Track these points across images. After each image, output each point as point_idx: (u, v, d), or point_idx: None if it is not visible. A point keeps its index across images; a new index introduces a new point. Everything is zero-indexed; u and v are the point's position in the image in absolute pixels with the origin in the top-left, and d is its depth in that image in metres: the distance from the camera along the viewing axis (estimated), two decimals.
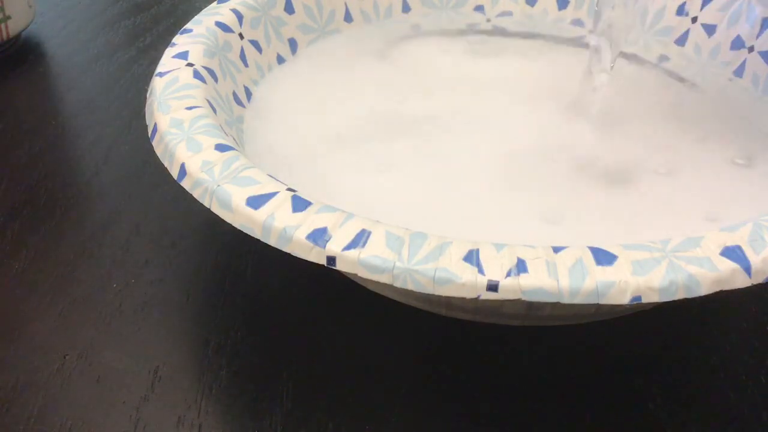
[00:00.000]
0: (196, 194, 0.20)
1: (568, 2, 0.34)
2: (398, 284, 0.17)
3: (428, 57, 0.31)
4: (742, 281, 0.17)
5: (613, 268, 0.17)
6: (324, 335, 0.24)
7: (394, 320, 0.24)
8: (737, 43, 0.30)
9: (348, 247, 0.18)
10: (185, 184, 0.20)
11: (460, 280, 0.17)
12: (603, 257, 0.17)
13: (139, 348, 0.23)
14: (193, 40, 0.26)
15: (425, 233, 0.18)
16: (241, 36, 0.28)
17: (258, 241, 0.19)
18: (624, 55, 0.31)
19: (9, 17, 0.38)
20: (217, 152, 0.21)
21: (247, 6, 0.29)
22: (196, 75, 0.24)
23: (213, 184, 0.20)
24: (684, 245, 0.18)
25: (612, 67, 0.27)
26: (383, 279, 0.17)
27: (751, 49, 0.29)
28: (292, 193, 0.19)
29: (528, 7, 0.34)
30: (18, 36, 0.39)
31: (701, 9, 0.31)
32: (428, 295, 0.17)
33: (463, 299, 0.17)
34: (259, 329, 0.24)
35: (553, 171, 0.25)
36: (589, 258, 0.17)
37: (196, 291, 0.25)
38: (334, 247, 0.18)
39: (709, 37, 0.31)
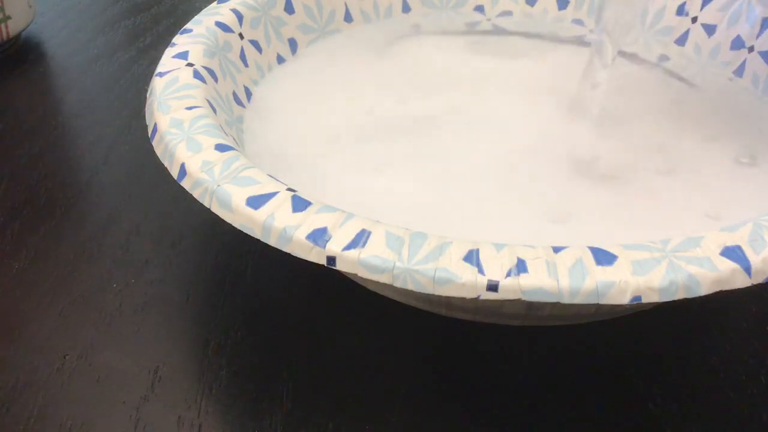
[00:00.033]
0: (196, 194, 0.20)
1: (568, 2, 0.34)
2: (398, 284, 0.17)
3: (428, 57, 0.31)
4: (742, 281, 0.17)
5: (613, 268, 0.17)
6: (324, 335, 0.24)
7: (394, 320, 0.24)
8: (737, 43, 0.30)
9: (348, 247, 0.18)
10: (185, 184, 0.20)
11: (460, 280, 0.17)
12: (603, 257, 0.17)
13: (139, 348, 0.23)
14: (193, 40, 0.26)
15: (425, 233, 0.18)
16: (241, 36, 0.28)
17: (258, 241, 0.19)
18: (624, 55, 0.31)
19: (9, 17, 0.38)
20: (217, 152, 0.21)
21: (247, 6, 0.29)
22: (196, 75, 0.24)
23: (213, 184, 0.20)
24: (684, 245, 0.18)
25: (611, 67, 0.27)
26: (383, 279, 0.17)
27: (751, 49, 0.29)
28: (292, 193, 0.19)
29: (528, 7, 0.34)
30: (18, 36, 0.39)
31: (701, 9, 0.31)
32: (428, 295, 0.17)
33: (463, 299, 0.17)
34: (259, 329, 0.24)
35: (553, 170, 0.25)
36: (589, 258, 0.17)
37: (196, 291, 0.25)
38: (334, 247, 0.18)
39: (709, 37, 0.31)
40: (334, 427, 0.21)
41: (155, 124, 0.22)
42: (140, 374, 0.22)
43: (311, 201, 0.19)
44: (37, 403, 0.21)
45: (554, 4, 0.34)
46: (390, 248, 0.18)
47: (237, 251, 0.27)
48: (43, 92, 0.37)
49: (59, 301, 0.25)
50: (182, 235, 0.27)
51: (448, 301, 0.20)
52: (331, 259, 0.18)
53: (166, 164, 0.21)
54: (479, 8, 0.34)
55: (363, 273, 0.18)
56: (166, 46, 0.26)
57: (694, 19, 0.31)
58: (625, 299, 0.17)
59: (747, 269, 0.17)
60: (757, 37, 0.29)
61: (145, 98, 0.24)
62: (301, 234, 0.18)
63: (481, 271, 0.17)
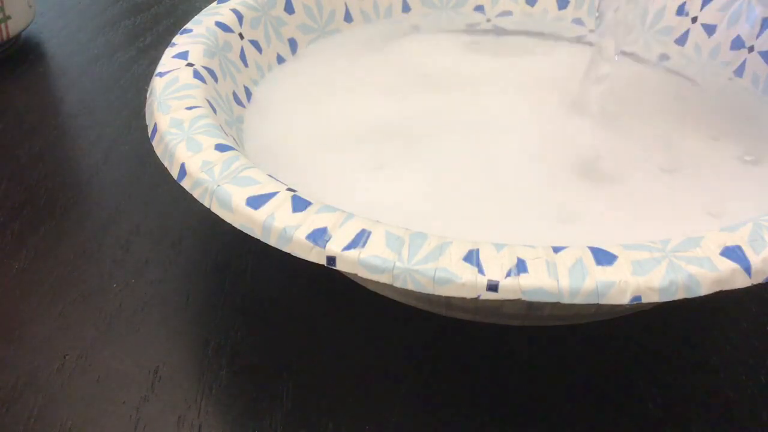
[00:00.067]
0: (196, 194, 0.20)
1: (568, 2, 0.34)
2: (398, 284, 0.17)
3: (428, 56, 0.31)
4: (742, 281, 0.17)
5: (613, 268, 0.17)
6: (324, 335, 0.24)
7: (394, 320, 0.24)
8: (737, 43, 0.30)
9: (348, 247, 0.18)
10: (185, 184, 0.20)
11: (460, 280, 0.17)
12: (603, 257, 0.17)
13: (139, 348, 0.23)
14: (193, 40, 0.26)
15: (425, 233, 0.18)
16: (241, 36, 0.28)
17: (258, 241, 0.19)
18: (624, 54, 0.31)
19: (9, 17, 0.38)
20: (217, 152, 0.21)
21: (247, 6, 0.29)
22: (196, 75, 0.24)
23: (213, 184, 0.20)
24: (684, 245, 0.18)
25: (612, 67, 0.27)
26: (383, 279, 0.17)
27: (751, 49, 0.29)
28: (292, 193, 0.19)
29: (528, 7, 0.34)
30: (18, 36, 0.39)
31: (701, 9, 0.31)
32: (428, 295, 0.17)
33: (463, 299, 0.17)
34: (259, 329, 0.24)
35: (555, 169, 0.25)
36: (589, 258, 0.17)
37: (196, 291, 0.25)
38: (334, 247, 0.18)
39: (709, 37, 0.31)
40: (334, 427, 0.21)
41: (155, 124, 0.22)
42: (140, 374, 0.22)
43: (311, 201, 0.19)
44: (37, 403, 0.21)
45: (554, 4, 0.34)
46: (390, 248, 0.18)
47: (237, 251, 0.27)
48: (43, 92, 0.37)
49: (59, 301, 0.25)
50: (182, 235, 0.27)
51: (448, 301, 0.20)
52: (331, 259, 0.18)
53: (166, 164, 0.21)
54: (479, 8, 0.34)
55: (363, 273, 0.18)
56: (166, 46, 0.26)
57: (694, 19, 0.31)
58: (625, 299, 0.17)
59: (747, 269, 0.17)
60: (757, 37, 0.29)
61: (145, 98, 0.24)
62: (301, 234, 0.18)
63: (481, 271, 0.17)
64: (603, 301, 0.17)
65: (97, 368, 0.23)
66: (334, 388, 0.22)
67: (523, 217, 0.22)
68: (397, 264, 0.17)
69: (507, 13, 0.34)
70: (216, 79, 0.25)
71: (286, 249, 0.18)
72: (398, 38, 0.32)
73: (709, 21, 0.31)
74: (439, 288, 0.17)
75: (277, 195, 0.19)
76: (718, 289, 0.17)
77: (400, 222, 0.19)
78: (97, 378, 0.22)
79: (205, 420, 0.21)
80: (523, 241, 0.18)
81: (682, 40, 0.32)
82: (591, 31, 0.33)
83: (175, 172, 0.21)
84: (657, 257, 0.17)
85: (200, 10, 0.28)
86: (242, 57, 0.28)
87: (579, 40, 0.33)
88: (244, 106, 0.27)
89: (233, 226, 0.19)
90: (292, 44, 0.31)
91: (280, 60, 0.30)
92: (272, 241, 0.18)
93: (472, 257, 0.17)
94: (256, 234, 0.19)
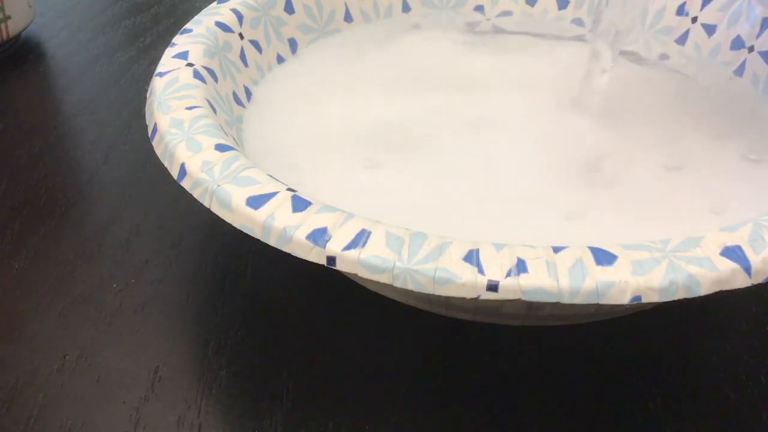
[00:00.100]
0: (196, 194, 0.20)
1: (568, 2, 0.34)
2: (398, 284, 0.17)
3: (428, 56, 0.31)
4: (742, 281, 0.17)
5: (613, 268, 0.17)
6: (324, 335, 0.24)
7: (394, 320, 0.24)
8: (737, 43, 0.30)
9: (348, 247, 0.18)
10: (185, 184, 0.20)
11: (460, 280, 0.17)
12: (603, 257, 0.17)
13: (139, 348, 0.23)
14: (193, 40, 0.26)
15: (425, 233, 0.18)
16: (241, 36, 0.28)
17: (258, 241, 0.19)
18: (624, 54, 0.31)
19: (9, 17, 0.38)
20: (217, 152, 0.21)
21: (247, 6, 0.29)
22: (196, 75, 0.24)
23: (213, 184, 0.20)
24: (684, 245, 0.18)
25: (612, 66, 0.27)
26: (383, 279, 0.17)
27: (751, 49, 0.29)
28: (292, 193, 0.19)
29: (528, 7, 0.34)
30: (18, 36, 0.39)
31: (701, 9, 0.31)
32: (428, 295, 0.17)
33: (463, 299, 0.17)
34: (259, 329, 0.24)
35: (556, 168, 0.25)
36: (589, 258, 0.17)
37: (196, 291, 0.25)
38: (334, 247, 0.18)
39: (709, 37, 0.31)
40: (334, 427, 0.21)
41: (155, 124, 0.22)
42: (140, 374, 0.22)
43: (311, 201, 0.19)
44: (37, 403, 0.21)
45: (554, 4, 0.34)
46: (390, 248, 0.18)
47: (237, 251, 0.27)
48: (43, 92, 0.37)
49: (59, 301, 0.25)
50: (182, 235, 0.27)
51: (448, 301, 0.20)
52: (331, 259, 0.18)
53: (166, 164, 0.21)
54: (479, 8, 0.34)
55: (363, 273, 0.18)
56: (166, 46, 0.26)
57: (694, 19, 0.31)
58: (625, 299, 0.17)
59: (747, 269, 0.17)
60: (757, 37, 0.29)
61: (145, 98, 0.24)
62: (301, 234, 0.18)
63: (481, 271, 0.17)
64: (603, 301, 0.17)
65: (97, 368, 0.23)
66: (334, 388, 0.22)
67: (523, 217, 0.22)
68: (397, 264, 0.17)
69: (507, 13, 0.34)
70: (216, 79, 0.25)
71: (286, 249, 0.18)
72: (398, 38, 0.32)
73: (709, 21, 0.31)
74: (439, 288, 0.17)
75: (277, 195, 0.19)
76: (718, 289, 0.17)
77: (400, 222, 0.19)
78: (97, 378, 0.22)
79: (205, 420, 0.21)
80: (524, 241, 0.18)
81: (682, 40, 0.32)
82: (591, 31, 0.33)
83: (175, 172, 0.21)
84: (657, 257, 0.17)
85: (200, 10, 0.28)
86: (242, 57, 0.28)
87: (579, 40, 0.33)
88: (244, 106, 0.27)
89: (233, 226, 0.19)
90: (292, 44, 0.31)
91: (280, 60, 0.30)
92: (272, 241, 0.18)
93: (472, 257, 0.17)
94: (256, 234, 0.19)
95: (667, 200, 0.23)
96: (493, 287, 0.17)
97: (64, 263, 0.26)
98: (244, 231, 0.19)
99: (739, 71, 0.30)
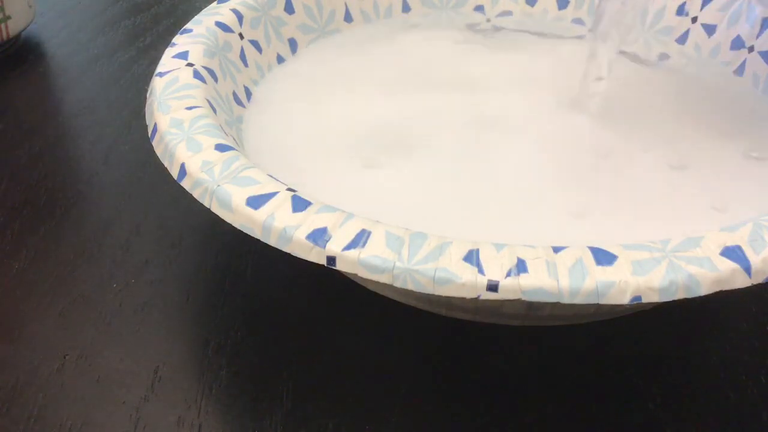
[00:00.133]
0: (196, 194, 0.20)
1: (568, 2, 0.34)
2: (398, 284, 0.17)
3: (428, 56, 0.31)
4: (742, 281, 0.17)
5: (613, 268, 0.17)
6: (324, 335, 0.24)
7: (394, 320, 0.24)
8: (737, 43, 0.30)
9: (348, 247, 0.18)
10: (185, 184, 0.20)
11: (460, 280, 0.17)
12: (603, 257, 0.17)
13: (139, 348, 0.23)
14: (193, 40, 0.26)
15: (425, 233, 0.18)
16: (241, 36, 0.28)
17: (258, 241, 0.19)
18: (624, 54, 0.31)
19: (9, 17, 0.38)
20: (217, 152, 0.21)
21: (247, 6, 0.29)
22: (196, 75, 0.24)
23: (213, 184, 0.20)
24: (684, 245, 0.18)
25: (612, 66, 0.27)
26: (383, 279, 0.17)
27: (751, 49, 0.29)
28: (292, 193, 0.19)
29: (528, 7, 0.34)
30: (18, 36, 0.39)
31: (701, 9, 0.31)
32: (428, 295, 0.17)
33: (463, 299, 0.17)
34: (259, 329, 0.24)
35: (555, 169, 0.25)
36: (589, 258, 0.17)
37: (196, 291, 0.25)
38: (334, 247, 0.18)
39: (709, 37, 0.31)
40: (334, 427, 0.21)
41: (155, 124, 0.22)
42: (140, 374, 0.22)
43: (311, 201, 0.19)
44: (37, 403, 0.21)
45: (554, 4, 0.34)
46: (390, 248, 0.18)
47: (237, 251, 0.27)
48: (43, 92, 0.37)
49: (59, 301, 0.25)
50: (182, 235, 0.27)
51: (448, 301, 0.20)
52: (331, 259, 0.18)
53: (166, 164, 0.21)
54: (479, 8, 0.34)
55: (363, 273, 0.18)
56: (166, 46, 0.26)
57: (694, 19, 0.31)
58: (625, 299, 0.17)
59: (747, 269, 0.17)
60: (757, 37, 0.29)
61: (145, 98, 0.24)
62: (301, 234, 0.18)
63: (481, 271, 0.17)
64: (603, 301, 0.17)
65: (97, 368, 0.23)
66: (334, 388, 0.22)
67: (523, 217, 0.22)
68: (397, 264, 0.17)
69: (507, 13, 0.34)
70: (216, 79, 0.25)
71: (286, 249, 0.18)
72: (398, 38, 0.32)
73: (709, 21, 0.31)
74: (439, 288, 0.17)
75: (277, 195, 0.19)
76: (718, 289, 0.17)
77: (400, 222, 0.19)
78: (97, 378, 0.22)
79: (205, 420, 0.21)
80: (524, 241, 0.18)
81: (682, 40, 0.32)
82: (591, 30, 0.33)
83: (175, 172, 0.21)
84: (657, 257, 0.17)
85: (200, 10, 0.28)
86: (242, 57, 0.28)
87: (579, 39, 0.33)
88: (244, 106, 0.27)
89: (233, 226, 0.19)
90: (292, 44, 0.31)
91: (280, 60, 0.30)
92: (272, 241, 0.18)
93: (472, 257, 0.17)
94: (256, 234, 0.19)
95: (668, 199, 0.23)
96: (493, 287, 0.17)
97: (64, 263, 0.26)
98: (244, 231, 0.19)
99: (739, 71, 0.30)
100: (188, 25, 0.27)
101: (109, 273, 0.26)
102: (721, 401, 0.22)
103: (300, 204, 0.19)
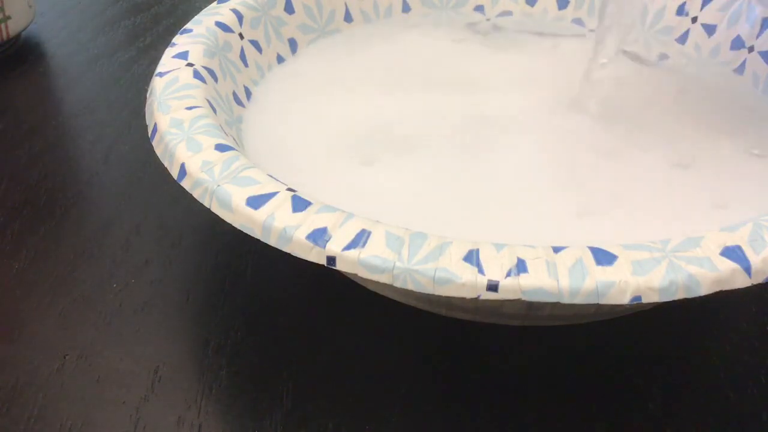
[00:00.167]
0: (196, 194, 0.20)
1: (568, 2, 0.34)
2: (398, 284, 0.17)
3: (428, 56, 0.31)
4: (742, 281, 0.17)
5: (613, 268, 0.17)
6: (324, 335, 0.24)
7: (394, 320, 0.24)
8: (737, 43, 0.30)
9: (348, 247, 0.18)
10: (185, 184, 0.20)
11: (460, 280, 0.17)
12: (603, 257, 0.17)
13: (139, 348, 0.23)
14: (193, 40, 0.26)
15: (425, 233, 0.18)
16: (241, 36, 0.28)
17: (258, 241, 0.19)
18: (624, 54, 0.31)
19: (9, 17, 0.38)
20: (217, 152, 0.21)
21: (247, 6, 0.29)
22: (196, 75, 0.24)
23: (213, 184, 0.20)
24: (684, 245, 0.18)
25: (613, 65, 0.27)
26: (383, 279, 0.17)
27: (751, 49, 0.29)
28: (292, 193, 0.19)
29: (528, 7, 0.34)
30: (18, 36, 0.39)
31: (701, 9, 0.31)
32: (428, 295, 0.17)
33: (463, 299, 0.17)
34: (259, 329, 0.24)
35: (555, 168, 0.25)
36: (589, 258, 0.17)
37: (196, 291, 0.25)
38: (334, 247, 0.18)
39: (709, 37, 0.31)
40: (334, 427, 0.21)
41: (155, 124, 0.22)
42: (140, 374, 0.22)
43: (311, 201, 0.19)
44: (37, 403, 0.21)
45: (554, 4, 0.34)
46: (390, 248, 0.18)
47: (237, 251, 0.27)
48: (43, 92, 0.37)
49: (59, 301, 0.25)
50: (182, 235, 0.27)
51: (448, 301, 0.20)
52: (331, 259, 0.18)
53: (166, 164, 0.21)
54: (479, 8, 0.34)
55: (363, 273, 0.18)
56: (166, 46, 0.26)
57: (694, 19, 0.31)
58: (625, 299, 0.17)
59: (747, 269, 0.17)
60: (757, 37, 0.29)
61: (145, 98, 0.24)
62: (301, 234, 0.18)
63: (481, 271, 0.17)
64: (603, 301, 0.17)
65: (97, 368, 0.23)
66: (334, 388, 0.22)
67: (523, 217, 0.22)
68: (397, 264, 0.17)
69: (507, 13, 0.34)
70: (216, 79, 0.25)
71: (286, 249, 0.18)
72: (398, 38, 0.32)
73: (709, 21, 0.31)
74: (439, 288, 0.17)
75: (277, 195, 0.19)
76: (718, 289, 0.17)
77: (400, 222, 0.19)
78: (97, 378, 0.22)
79: (205, 420, 0.21)
80: (524, 241, 0.18)
81: (682, 40, 0.32)
82: (591, 30, 0.33)
83: (175, 172, 0.21)
84: (657, 257, 0.17)
85: (200, 10, 0.28)
86: (242, 57, 0.28)
87: (579, 39, 0.33)
88: (244, 106, 0.27)
89: (233, 226, 0.19)
90: (292, 44, 0.31)
91: (280, 60, 0.30)
92: (272, 241, 0.18)
93: (472, 257, 0.17)
94: (256, 234, 0.19)
95: (669, 199, 0.23)
96: (493, 287, 0.17)
97: (64, 263, 0.26)
98: (244, 231, 0.19)
99: (739, 71, 0.30)
100: (188, 25, 0.27)
101: (109, 273, 0.26)
102: (721, 401, 0.22)
103: (300, 204, 0.19)
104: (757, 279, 0.17)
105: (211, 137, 0.21)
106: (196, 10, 0.37)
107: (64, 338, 0.23)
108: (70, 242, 0.27)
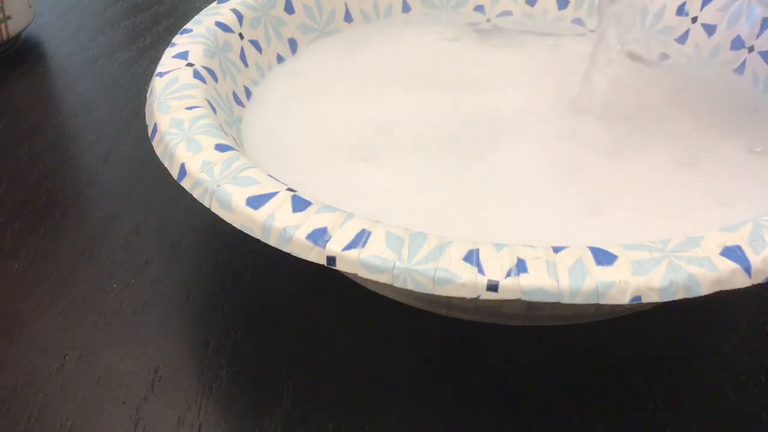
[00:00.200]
0: (196, 194, 0.20)
1: (568, 2, 0.34)
2: (398, 284, 0.17)
3: (428, 56, 0.31)
4: (742, 281, 0.17)
5: (613, 268, 0.17)
6: (324, 335, 0.24)
7: (394, 320, 0.24)
8: (737, 43, 0.30)
9: (348, 247, 0.18)
10: (185, 184, 0.20)
11: (460, 280, 0.17)
12: (603, 257, 0.17)
13: (139, 348, 0.23)
14: (193, 40, 0.26)
15: (425, 233, 0.18)
16: (241, 36, 0.28)
17: (258, 241, 0.19)
18: (625, 54, 0.31)
19: (9, 17, 0.38)
20: (217, 152, 0.21)
21: (247, 6, 0.29)
22: (196, 75, 0.24)
23: (213, 184, 0.20)
24: (684, 245, 0.18)
25: (613, 65, 0.27)
26: (383, 279, 0.17)
27: (751, 49, 0.29)
28: (292, 193, 0.19)
29: (528, 7, 0.34)
30: (18, 36, 0.39)
31: (701, 9, 0.31)
32: (428, 295, 0.17)
33: (463, 299, 0.17)
34: (259, 329, 0.24)
35: (555, 168, 0.25)
36: (589, 258, 0.17)
37: (196, 291, 0.25)
38: (334, 247, 0.18)
39: (709, 37, 0.31)
40: (334, 427, 0.21)
41: (155, 124, 0.22)
42: (140, 374, 0.22)
43: (311, 201, 0.19)
44: (37, 403, 0.21)
45: (554, 4, 0.34)
46: (390, 248, 0.18)
47: (237, 251, 0.27)
48: (43, 92, 0.37)
49: (59, 301, 0.25)
50: (182, 235, 0.27)
51: (448, 301, 0.20)
52: (331, 259, 0.18)
53: (166, 164, 0.21)
54: (479, 8, 0.34)
55: (363, 273, 0.18)
56: (166, 46, 0.26)
57: (694, 19, 0.31)
58: (625, 299, 0.17)
59: (747, 269, 0.17)
60: (757, 37, 0.29)
61: (145, 98, 0.24)
62: (301, 234, 0.18)
63: (481, 271, 0.17)
64: (603, 301, 0.17)
65: (97, 368, 0.23)
66: (334, 388, 0.22)
67: (523, 217, 0.22)
68: (397, 264, 0.17)
69: (507, 13, 0.34)
70: (216, 79, 0.25)
71: (286, 249, 0.18)
72: (398, 38, 0.32)
73: (709, 21, 0.31)
74: (439, 288, 0.17)
75: (277, 195, 0.19)
76: (718, 289, 0.17)
77: (400, 222, 0.19)
78: (97, 378, 0.22)
79: (205, 420, 0.21)
80: (524, 241, 0.18)
81: (682, 40, 0.32)
82: (591, 30, 0.33)
83: (175, 172, 0.21)
84: (657, 257, 0.17)
85: (200, 10, 0.28)
86: (242, 57, 0.28)
87: (579, 39, 0.33)
88: (244, 106, 0.27)
89: (233, 226, 0.19)
90: (292, 44, 0.31)
91: (280, 60, 0.30)
92: (272, 241, 0.18)
93: (472, 257, 0.17)
94: (256, 234, 0.19)
95: (670, 198, 0.23)
96: (493, 287, 0.17)
97: (64, 263, 0.26)
98: (244, 231, 0.19)
99: (739, 71, 0.30)
100: (188, 25, 0.27)
101: (109, 273, 0.26)
102: (721, 401, 0.22)
103: (300, 204, 0.19)
104: (757, 279, 0.17)
105: (211, 137, 0.21)
106: (196, 10, 0.37)
107: (64, 338, 0.23)
108: (70, 242, 0.27)
